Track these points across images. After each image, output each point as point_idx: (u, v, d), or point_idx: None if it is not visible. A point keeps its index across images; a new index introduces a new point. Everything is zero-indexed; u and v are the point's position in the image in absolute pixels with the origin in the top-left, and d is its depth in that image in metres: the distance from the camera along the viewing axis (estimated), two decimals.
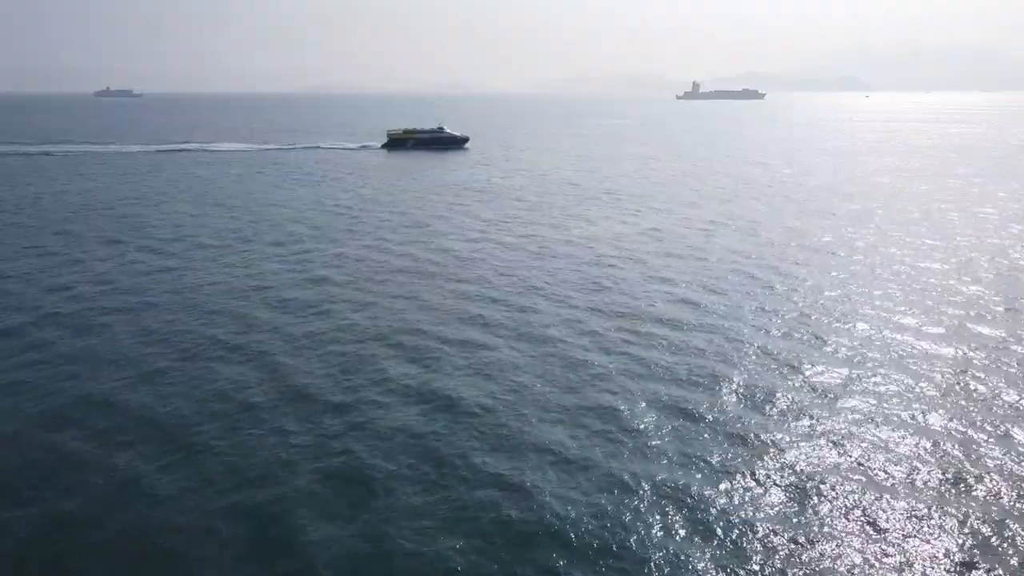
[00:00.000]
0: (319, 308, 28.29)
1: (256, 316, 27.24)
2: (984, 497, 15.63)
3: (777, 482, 16.16)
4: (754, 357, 22.93)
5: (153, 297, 29.67)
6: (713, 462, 16.87)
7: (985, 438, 18.08)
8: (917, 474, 16.50)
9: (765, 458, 17.09)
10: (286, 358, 23.04)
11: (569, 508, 14.98)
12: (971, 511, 15.12)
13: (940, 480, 16.29)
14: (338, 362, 22.76)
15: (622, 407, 19.47)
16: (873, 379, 21.44)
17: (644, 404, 19.65)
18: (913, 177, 68.11)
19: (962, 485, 16.10)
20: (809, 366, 22.29)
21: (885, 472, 16.54)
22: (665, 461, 16.84)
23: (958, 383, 21.31)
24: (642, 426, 18.44)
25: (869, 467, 16.73)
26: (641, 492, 15.56)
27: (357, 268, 34.65)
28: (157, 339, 24.81)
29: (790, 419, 19.11)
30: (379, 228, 44.38)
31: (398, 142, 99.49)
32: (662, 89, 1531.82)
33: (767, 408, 19.69)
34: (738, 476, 16.33)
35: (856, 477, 16.34)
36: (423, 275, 33.19)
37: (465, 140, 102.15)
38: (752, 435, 18.12)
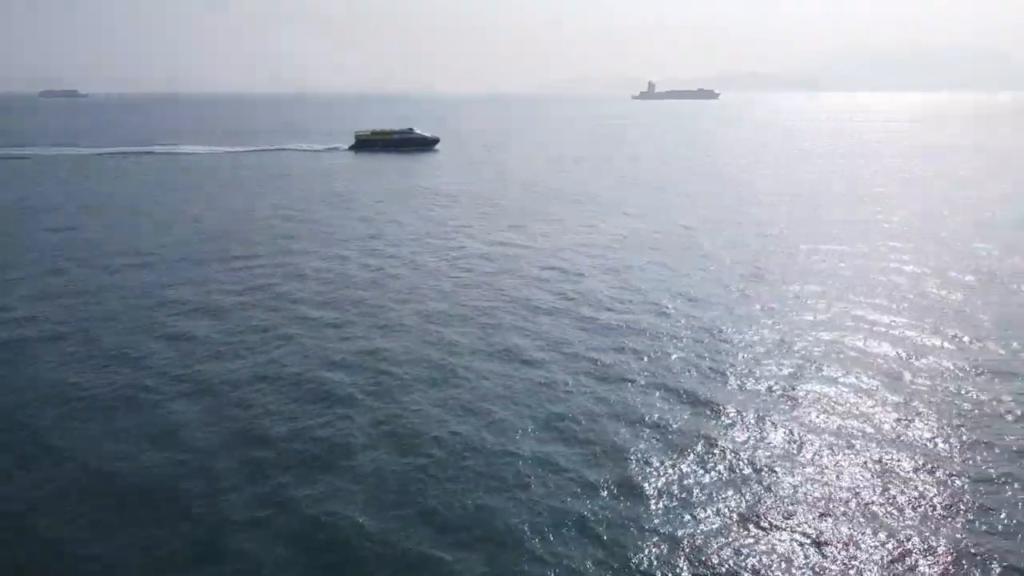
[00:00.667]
0: (266, 325, 26.11)
1: (194, 335, 25.12)
2: (925, 492, 15.62)
3: (726, 477, 16.14)
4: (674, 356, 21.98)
5: (80, 319, 26.85)
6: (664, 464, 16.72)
7: (933, 435, 17.93)
8: (861, 470, 16.49)
9: (712, 455, 16.98)
10: (228, 387, 20.84)
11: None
12: (910, 505, 15.18)
13: (881, 473, 16.38)
14: (281, 388, 20.88)
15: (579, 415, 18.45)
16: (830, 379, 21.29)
17: (618, 419, 18.37)
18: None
19: (901, 475, 16.29)
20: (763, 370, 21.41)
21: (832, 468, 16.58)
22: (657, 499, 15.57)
23: (906, 381, 21.21)
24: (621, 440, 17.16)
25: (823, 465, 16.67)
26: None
27: (308, 281, 32.38)
28: (87, 365, 22.55)
29: (742, 418, 18.82)
30: (338, 235, 42.45)
31: (366, 143, 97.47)
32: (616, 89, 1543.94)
33: (706, 404, 19.41)
34: (687, 475, 16.25)
35: (812, 475, 16.31)
36: (379, 288, 31.12)
37: (435, 141, 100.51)
38: (689, 420, 18.08)
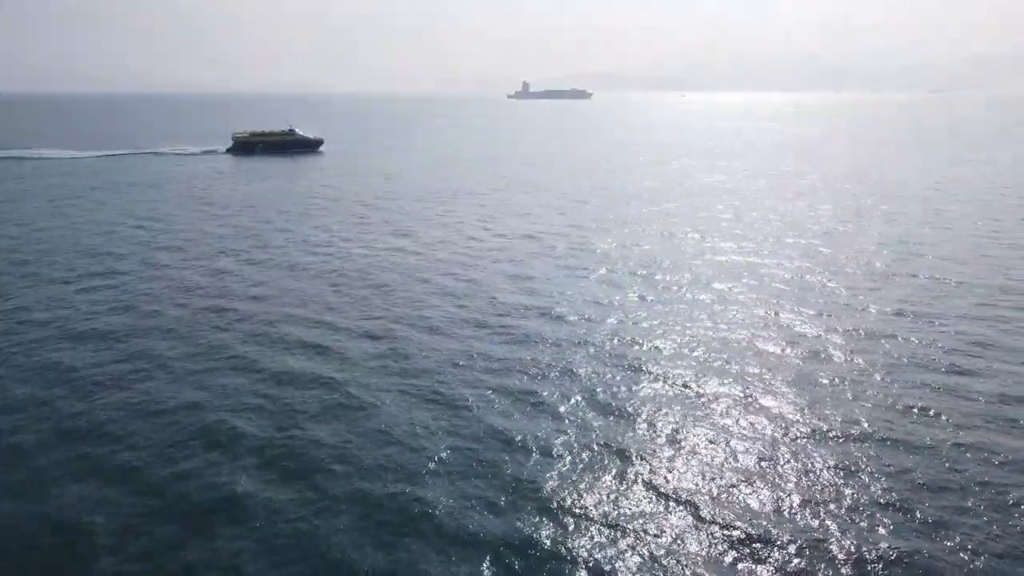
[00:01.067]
0: (116, 343, 24.07)
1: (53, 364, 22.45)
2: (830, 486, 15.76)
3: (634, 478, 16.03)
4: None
5: None
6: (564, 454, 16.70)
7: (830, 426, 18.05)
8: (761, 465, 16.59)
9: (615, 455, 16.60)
10: (95, 427, 18.67)
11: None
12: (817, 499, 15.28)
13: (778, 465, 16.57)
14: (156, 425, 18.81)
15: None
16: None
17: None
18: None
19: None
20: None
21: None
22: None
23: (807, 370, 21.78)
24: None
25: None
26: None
27: (170, 294, 30.05)
28: None
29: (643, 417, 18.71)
30: (209, 245, 39.68)
31: (245, 146, 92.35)
32: (488, 88, 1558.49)
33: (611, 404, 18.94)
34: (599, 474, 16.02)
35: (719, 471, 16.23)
36: (260, 301, 29.00)
37: (319, 143, 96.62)
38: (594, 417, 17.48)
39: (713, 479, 15.96)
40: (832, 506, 14.94)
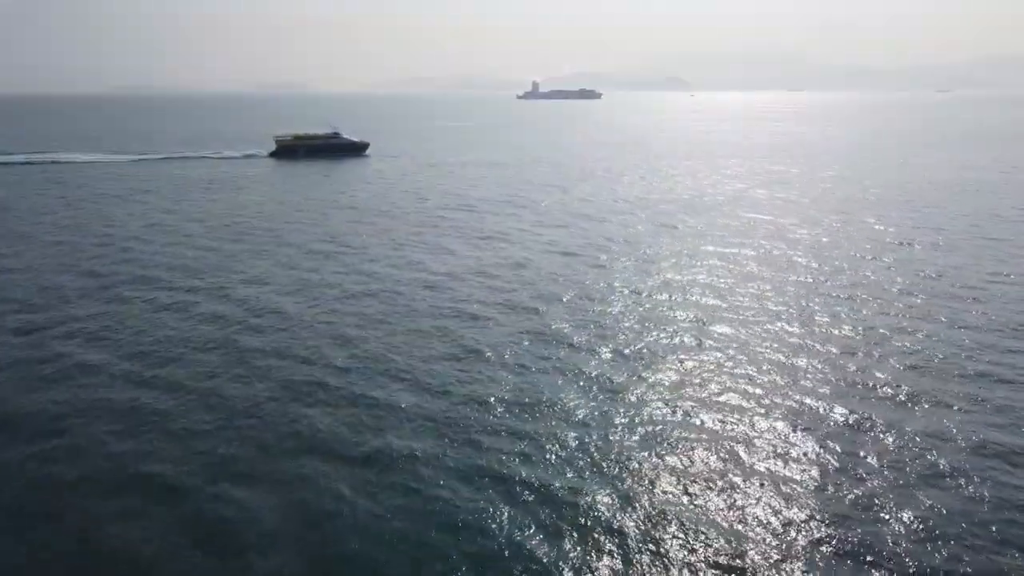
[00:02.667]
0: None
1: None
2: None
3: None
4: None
5: None
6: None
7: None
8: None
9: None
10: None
11: None
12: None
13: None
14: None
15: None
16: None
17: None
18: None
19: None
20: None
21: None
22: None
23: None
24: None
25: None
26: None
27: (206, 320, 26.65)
28: None
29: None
30: (248, 262, 35.61)
31: (288, 149, 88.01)
32: (499, 90, 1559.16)
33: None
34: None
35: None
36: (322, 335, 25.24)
37: (365, 146, 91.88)
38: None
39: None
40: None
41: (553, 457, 16.96)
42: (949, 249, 37.37)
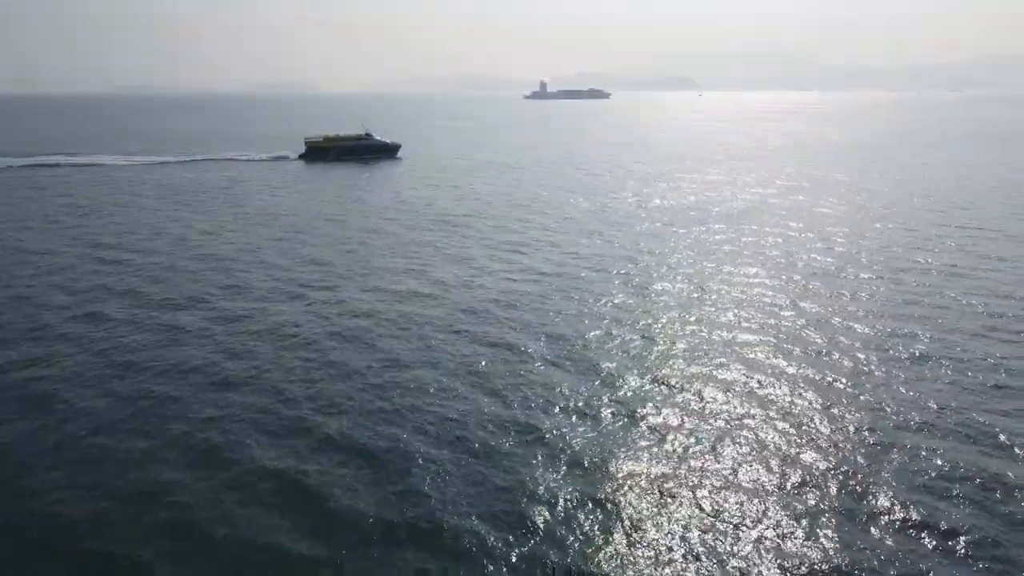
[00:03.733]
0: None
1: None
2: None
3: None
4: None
5: None
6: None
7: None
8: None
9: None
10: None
11: None
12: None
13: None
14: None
15: None
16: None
17: None
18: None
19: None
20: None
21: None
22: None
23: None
24: None
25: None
26: None
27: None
28: None
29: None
30: (279, 274, 33.44)
31: (318, 151, 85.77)
32: (498, 90, 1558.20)
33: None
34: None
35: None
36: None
37: (397, 147, 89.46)
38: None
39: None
40: None
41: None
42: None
